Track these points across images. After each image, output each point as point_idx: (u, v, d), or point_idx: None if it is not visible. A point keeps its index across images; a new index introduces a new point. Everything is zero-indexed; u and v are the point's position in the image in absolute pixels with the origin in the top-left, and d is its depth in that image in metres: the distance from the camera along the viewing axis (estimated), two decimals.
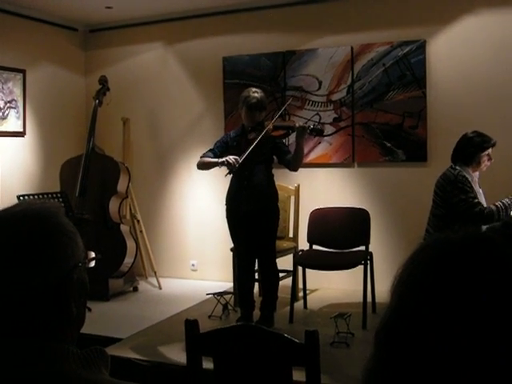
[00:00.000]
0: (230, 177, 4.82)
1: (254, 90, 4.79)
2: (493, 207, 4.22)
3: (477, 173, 4.39)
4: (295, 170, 4.83)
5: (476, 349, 0.62)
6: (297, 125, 4.69)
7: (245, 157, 4.59)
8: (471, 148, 4.30)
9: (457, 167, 4.31)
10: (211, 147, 4.92)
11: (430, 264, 0.69)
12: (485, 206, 4.32)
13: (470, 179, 4.28)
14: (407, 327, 0.66)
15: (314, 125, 4.83)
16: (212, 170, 4.94)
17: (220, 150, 4.84)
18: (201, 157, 4.90)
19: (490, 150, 4.33)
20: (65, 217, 1.18)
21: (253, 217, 4.70)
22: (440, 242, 0.71)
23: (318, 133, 4.80)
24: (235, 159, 4.59)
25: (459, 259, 0.67)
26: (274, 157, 4.84)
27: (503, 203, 4.23)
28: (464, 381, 0.62)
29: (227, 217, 4.85)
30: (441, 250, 0.69)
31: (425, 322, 0.65)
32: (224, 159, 4.64)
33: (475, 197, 4.23)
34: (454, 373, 0.63)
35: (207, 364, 2.14)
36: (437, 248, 0.70)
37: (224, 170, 4.76)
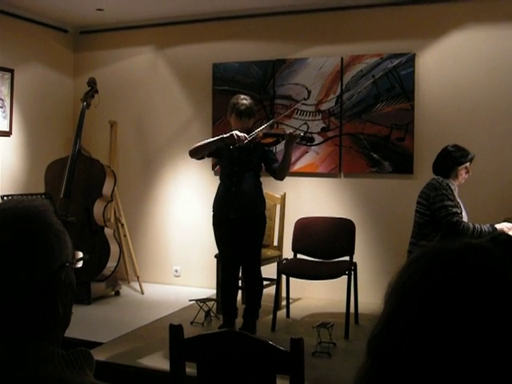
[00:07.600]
0: (217, 182, 4.80)
1: (242, 96, 4.78)
2: (470, 225, 4.29)
3: (456, 186, 4.51)
4: (281, 179, 4.80)
5: (474, 356, 0.62)
6: (287, 132, 4.69)
7: (250, 139, 4.57)
8: (449, 162, 4.45)
9: (440, 177, 4.47)
10: None
11: (429, 271, 0.68)
12: (465, 217, 4.39)
13: (452, 188, 4.42)
14: (404, 333, 0.65)
15: (304, 133, 4.83)
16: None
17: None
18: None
19: (467, 164, 4.48)
20: (53, 215, 1.16)
21: (240, 224, 4.68)
22: (439, 250, 0.70)
23: (308, 141, 4.78)
24: (244, 136, 4.58)
25: (458, 267, 0.67)
26: (263, 164, 4.82)
27: (482, 229, 4.27)
28: None
29: (214, 223, 4.81)
30: (440, 258, 0.69)
31: (422, 327, 0.64)
32: (231, 133, 4.59)
33: (456, 206, 4.34)
34: (450, 377, 0.62)
35: (190, 370, 2.12)
36: (436, 255, 0.70)
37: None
